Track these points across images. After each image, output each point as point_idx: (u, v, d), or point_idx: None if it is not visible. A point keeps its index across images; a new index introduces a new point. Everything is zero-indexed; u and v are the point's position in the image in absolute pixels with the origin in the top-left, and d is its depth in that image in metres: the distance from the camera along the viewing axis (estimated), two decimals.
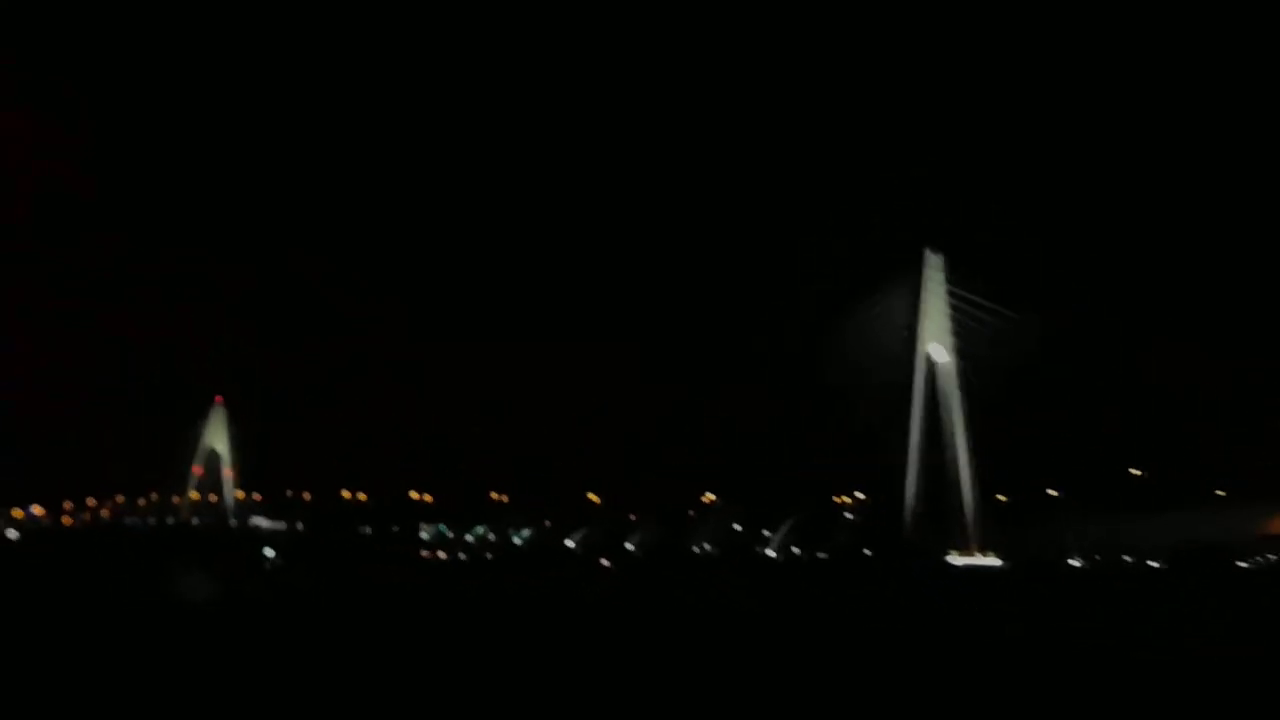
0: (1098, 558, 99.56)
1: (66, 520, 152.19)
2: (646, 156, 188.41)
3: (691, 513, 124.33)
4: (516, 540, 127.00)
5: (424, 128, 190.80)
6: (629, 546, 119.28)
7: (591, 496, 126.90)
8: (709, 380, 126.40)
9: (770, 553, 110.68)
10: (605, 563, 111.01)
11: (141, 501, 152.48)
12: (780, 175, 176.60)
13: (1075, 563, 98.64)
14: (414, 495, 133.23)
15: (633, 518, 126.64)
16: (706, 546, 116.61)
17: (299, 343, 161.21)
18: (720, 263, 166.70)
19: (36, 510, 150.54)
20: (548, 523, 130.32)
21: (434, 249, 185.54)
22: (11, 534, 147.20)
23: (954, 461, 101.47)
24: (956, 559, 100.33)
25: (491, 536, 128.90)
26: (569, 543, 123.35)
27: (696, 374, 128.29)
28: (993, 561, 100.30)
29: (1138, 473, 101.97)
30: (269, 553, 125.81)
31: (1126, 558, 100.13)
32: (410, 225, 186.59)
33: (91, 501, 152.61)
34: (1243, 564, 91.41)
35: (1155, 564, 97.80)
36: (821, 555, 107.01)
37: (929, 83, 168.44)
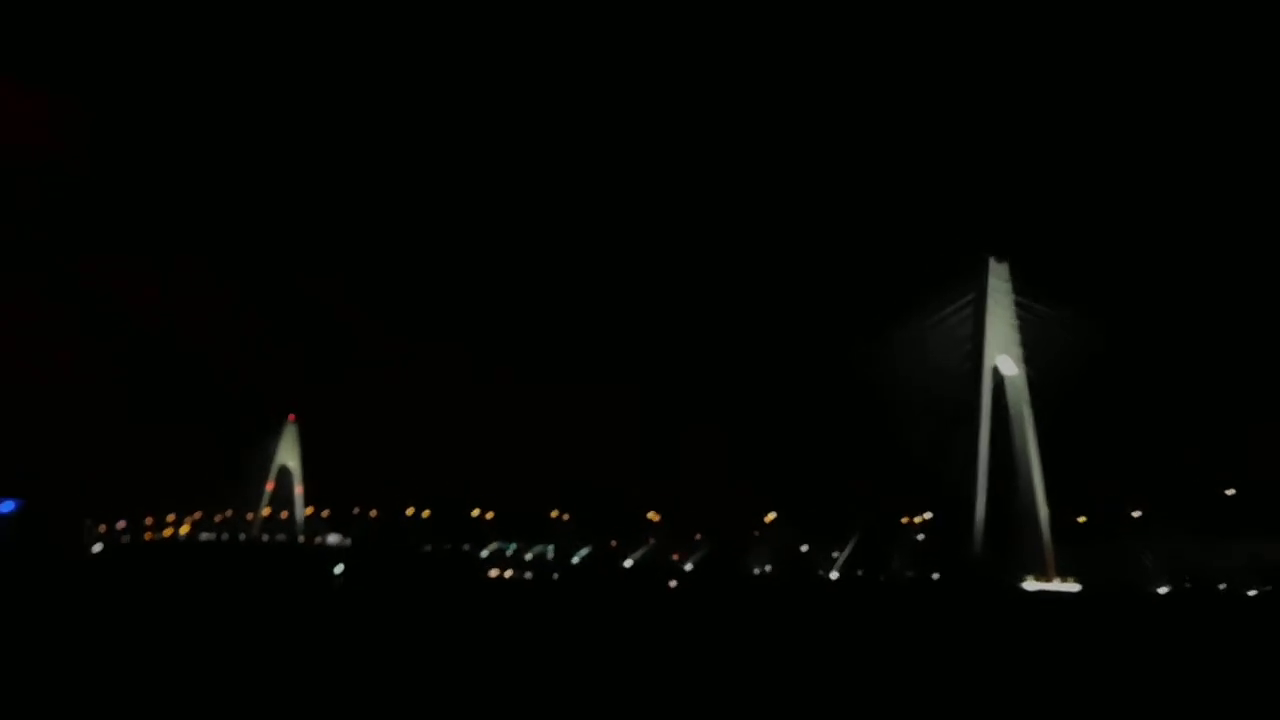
0: (1188, 584, 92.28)
1: (148, 535, 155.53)
2: (691, 164, 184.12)
3: (756, 533, 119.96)
4: (575, 559, 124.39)
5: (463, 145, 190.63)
6: (688, 567, 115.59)
7: (652, 515, 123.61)
8: (772, 397, 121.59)
9: (832, 574, 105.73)
10: (672, 584, 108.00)
11: (218, 517, 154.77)
12: (841, 184, 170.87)
13: (1161, 589, 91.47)
14: (475, 513, 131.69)
15: (697, 537, 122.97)
16: (766, 567, 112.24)
17: (365, 360, 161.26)
18: (778, 273, 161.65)
19: (120, 525, 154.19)
20: (614, 542, 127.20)
21: (487, 268, 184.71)
22: (97, 548, 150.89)
23: (1026, 479, 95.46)
24: (1031, 584, 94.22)
25: (550, 555, 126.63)
26: (627, 562, 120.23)
27: (761, 390, 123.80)
28: (1070, 587, 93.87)
29: (1231, 491, 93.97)
30: (338, 570, 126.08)
31: (1221, 585, 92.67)
32: (467, 245, 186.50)
33: (171, 517, 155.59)
34: None
35: (1253, 592, 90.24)
36: (882, 578, 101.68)
37: (991, 86, 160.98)
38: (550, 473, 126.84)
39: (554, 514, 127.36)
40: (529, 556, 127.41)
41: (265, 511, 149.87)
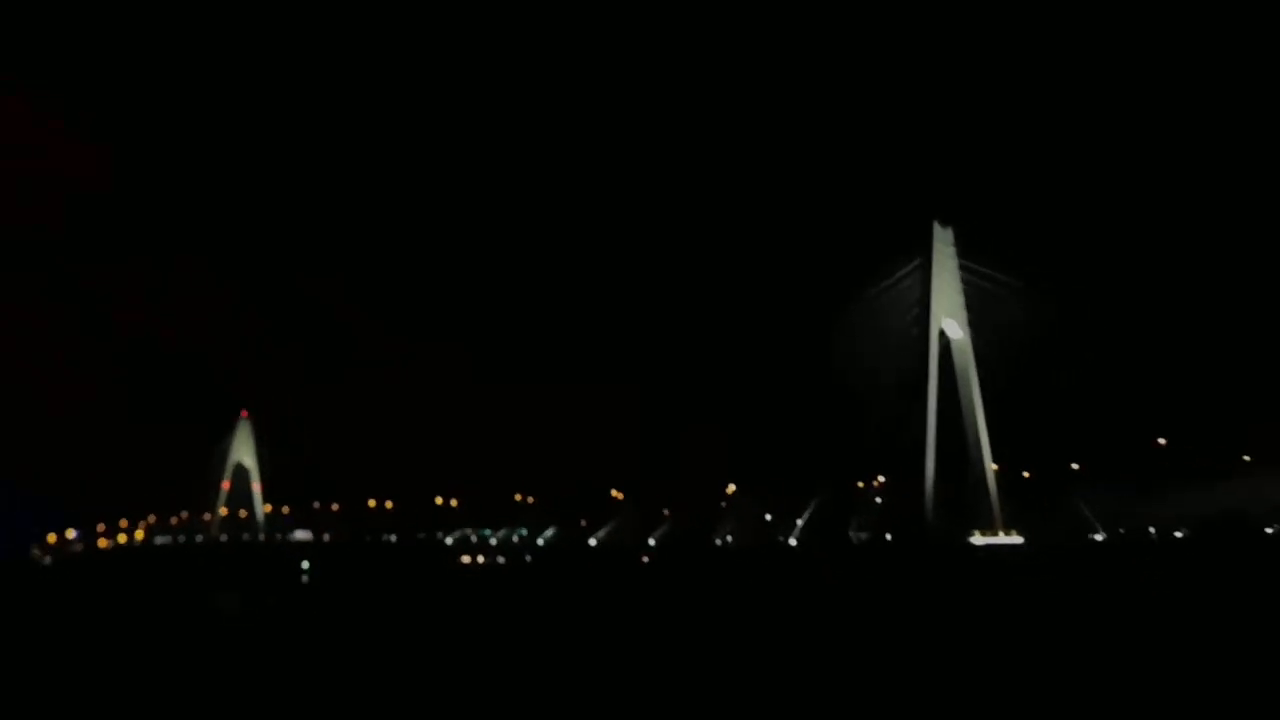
0: (1122, 531, 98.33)
1: (102, 543, 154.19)
2: (643, 142, 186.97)
3: (724, 505, 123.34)
4: (540, 541, 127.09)
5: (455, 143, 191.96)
6: (650, 542, 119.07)
7: (615, 493, 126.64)
8: (724, 368, 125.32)
9: (791, 541, 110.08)
10: (645, 559, 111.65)
11: (173, 520, 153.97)
12: (785, 154, 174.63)
13: (1098, 537, 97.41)
14: (439, 500, 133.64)
15: (665, 513, 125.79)
16: (728, 538, 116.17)
17: (317, 352, 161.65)
18: (726, 245, 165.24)
19: (70, 534, 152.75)
20: (584, 522, 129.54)
21: (446, 258, 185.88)
22: (46, 560, 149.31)
23: (973, 439, 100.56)
24: (979, 539, 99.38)
25: (515, 539, 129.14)
26: (592, 541, 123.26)
27: (710, 362, 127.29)
28: (1015, 540, 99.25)
29: (1162, 442, 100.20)
30: (305, 565, 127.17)
31: (1151, 529, 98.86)
32: (427, 237, 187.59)
33: (124, 523, 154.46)
34: (1270, 530, 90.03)
35: (1180, 534, 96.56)
36: (840, 542, 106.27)
37: (936, 47, 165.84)
38: (512, 456, 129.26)
39: (519, 497, 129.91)
40: (494, 542, 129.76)
41: (223, 511, 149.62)
